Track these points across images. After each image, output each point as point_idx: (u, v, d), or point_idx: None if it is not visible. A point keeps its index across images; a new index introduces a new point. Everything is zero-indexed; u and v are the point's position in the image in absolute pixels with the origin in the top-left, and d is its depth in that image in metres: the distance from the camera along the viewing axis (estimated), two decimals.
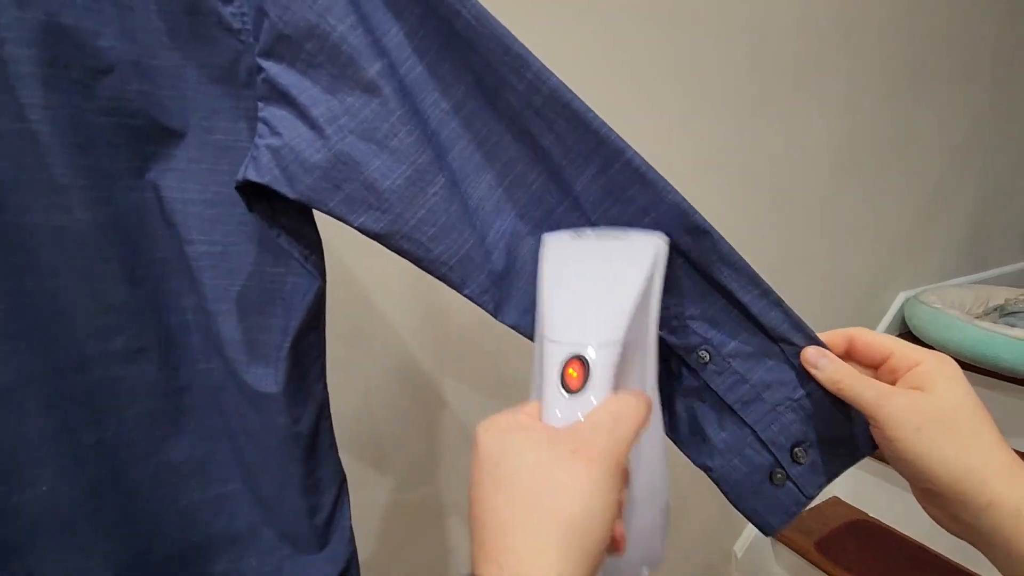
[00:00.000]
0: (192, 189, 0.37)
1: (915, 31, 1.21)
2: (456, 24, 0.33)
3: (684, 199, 0.35)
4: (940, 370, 0.32)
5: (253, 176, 0.35)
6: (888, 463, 0.33)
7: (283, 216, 0.38)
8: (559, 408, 0.29)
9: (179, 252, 0.37)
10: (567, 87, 0.34)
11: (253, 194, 0.37)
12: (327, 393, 0.42)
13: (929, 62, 1.27)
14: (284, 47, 0.33)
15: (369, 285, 0.71)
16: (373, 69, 0.33)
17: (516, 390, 0.82)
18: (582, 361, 0.30)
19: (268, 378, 0.38)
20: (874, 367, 0.35)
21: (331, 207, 0.35)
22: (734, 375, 0.38)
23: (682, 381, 0.39)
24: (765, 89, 1.00)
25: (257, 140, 0.35)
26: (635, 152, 0.35)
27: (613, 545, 0.30)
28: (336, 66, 0.33)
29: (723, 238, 0.36)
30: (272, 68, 0.34)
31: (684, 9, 0.85)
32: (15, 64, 0.31)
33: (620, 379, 0.31)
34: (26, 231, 0.33)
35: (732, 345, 0.38)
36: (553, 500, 0.25)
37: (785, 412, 0.37)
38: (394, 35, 0.34)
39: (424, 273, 0.37)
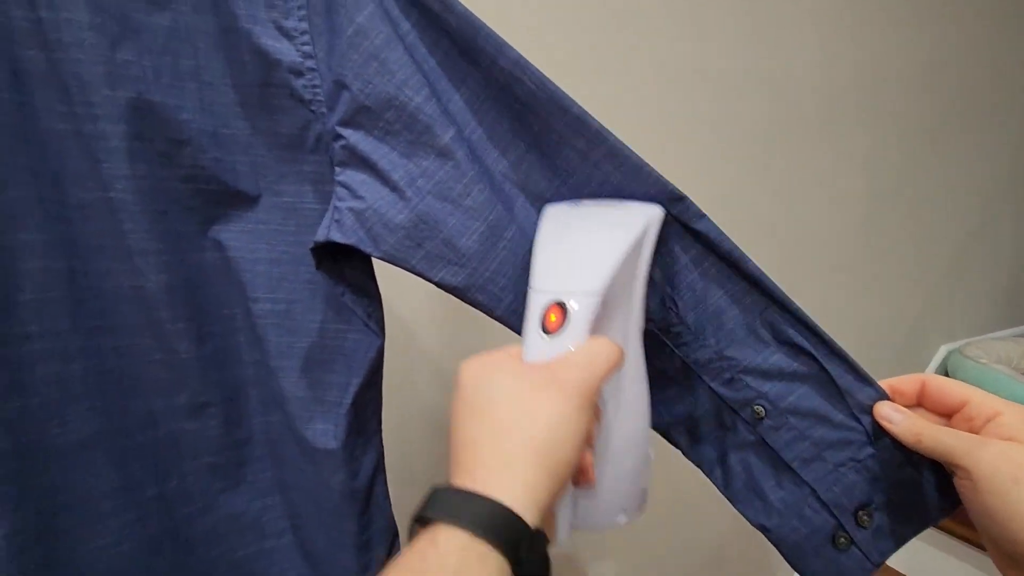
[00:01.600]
0: (260, 249, 0.39)
1: (944, 76, 1.22)
2: (517, 89, 0.35)
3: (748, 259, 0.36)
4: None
5: (338, 237, 0.36)
6: (948, 530, 0.31)
7: (348, 274, 0.39)
8: (537, 348, 0.32)
9: (244, 310, 0.39)
10: (623, 143, 0.36)
11: (322, 253, 0.38)
12: (383, 447, 0.42)
13: (961, 108, 1.27)
14: (364, 117, 0.35)
15: (406, 322, 0.72)
16: (447, 135, 0.35)
17: None
18: (562, 307, 0.32)
19: (328, 434, 0.39)
20: (947, 416, 0.34)
21: (413, 264, 0.36)
22: (792, 431, 0.37)
23: (736, 435, 0.39)
24: (792, 140, 1.01)
25: (337, 203, 0.36)
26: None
27: (582, 475, 0.32)
28: (413, 132, 0.35)
29: (779, 287, 0.36)
30: (352, 136, 0.36)
31: (708, 64, 0.87)
32: (105, 139, 0.33)
33: (600, 330, 0.33)
34: (106, 293, 0.34)
35: (790, 399, 0.37)
36: (523, 423, 0.27)
37: (849, 472, 0.36)
38: (457, 101, 0.36)
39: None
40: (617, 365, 0.31)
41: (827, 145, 1.07)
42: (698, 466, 0.41)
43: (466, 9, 0.35)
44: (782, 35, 0.95)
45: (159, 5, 0.34)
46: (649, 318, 0.38)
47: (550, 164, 0.37)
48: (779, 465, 0.38)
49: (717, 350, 0.38)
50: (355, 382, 0.39)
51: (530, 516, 0.25)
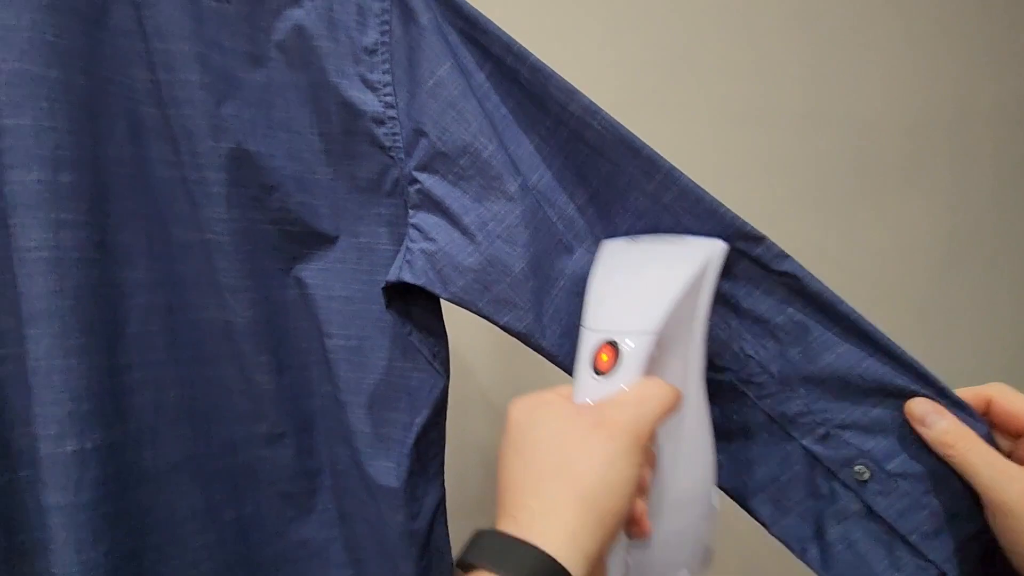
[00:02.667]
0: (335, 287, 0.41)
1: None
2: (586, 134, 0.36)
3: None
4: None
5: (408, 278, 0.38)
6: None
7: (416, 314, 0.40)
8: (588, 388, 0.31)
9: (319, 344, 0.41)
10: (696, 184, 0.35)
11: (393, 293, 0.40)
12: (444, 491, 0.43)
13: None
14: (440, 162, 0.37)
15: (463, 359, 0.73)
16: (517, 182, 0.36)
17: None
18: (614, 347, 0.31)
19: (390, 472, 0.40)
20: (1015, 436, 0.31)
21: (480, 307, 0.37)
22: (905, 498, 0.32)
23: (835, 503, 0.35)
24: (869, 181, 0.98)
25: (410, 244, 0.38)
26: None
27: (635, 526, 0.30)
28: (485, 178, 0.37)
29: (880, 331, 0.33)
30: (427, 180, 0.38)
31: (778, 104, 0.86)
32: (207, 185, 0.36)
33: (657, 372, 0.32)
34: (200, 326, 0.37)
35: (899, 460, 0.33)
36: (571, 466, 0.27)
37: (983, 548, 0.31)
38: (527, 147, 0.38)
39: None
40: (672, 408, 0.30)
41: (908, 187, 1.03)
42: (786, 543, 0.36)
43: (538, 59, 0.36)
44: (858, 72, 0.92)
45: (257, 63, 0.37)
46: (726, 367, 0.36)
47: (620, 208, 0.37)
48: (894, 540, 0.33)
49: (807, 402, 0.35)
50: (418, 421, 0.40)
51: (575, 566, 0.24)
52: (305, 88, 0.38)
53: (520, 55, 0.36)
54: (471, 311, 0.38)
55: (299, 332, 0.41)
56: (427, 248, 0.37)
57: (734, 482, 0.37)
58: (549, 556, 0.24)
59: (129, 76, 0.34)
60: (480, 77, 0.37)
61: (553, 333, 0.37)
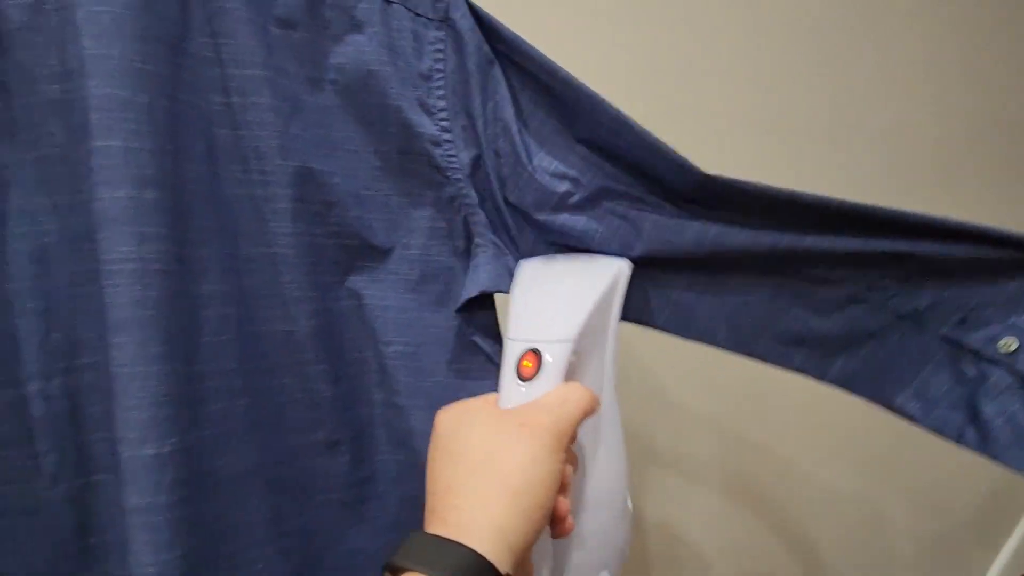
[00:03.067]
0: (389, 296, 0.42)
1: None
2: (624, 135, 0.38)
3: None
4: None
5: (489, 287, 0.40)
6: None
7: (479, 317, 0.42)
8: (513, 394, 0.33)
9: (375, 352, 0.42)
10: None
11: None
12: None
13: None
14: (496, 181, 0.41)
15: None
16: (575, 192, 0.39)
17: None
18: (536, 354, 0.33)
19: None
20: None
21: None
22: None
23: (985, 381, 0.35)
24: (907, 196, 0.97)
25: (481, 255, 0.41)
26: None
27: (558, 524, 0.31)
28: (541, 193, 0.39)
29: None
30: (486, 199, 0.41)
31: (812, 118, 0.86)
32: (274, 202, 0.38)
33: (574, 377, 0.34)
34: (265, 337, 0.39)
35: None
36: (497, 465, 0.28)
37: None
38: (575, 157, 0.40)
39: None
40: (590, 409, 0.32)
41: (946, 200, 1.02)
42: (940, 433, 0.37)
43: (567, 73, 0.38)
44: (884, 81, 0.92)
45: (319, 86, 0.39)
46: (844, 279, 0.37)
47: (673, 195, 0.39)
48: None
49: (936, 292, 0.35)
50: None
51: (502, 561, 0.25)
52: (364, 109, 0.40)
53: (552, 71, 0.38)
54: None
55: (354, 341, 0.42)
56: (500, 261, 0.40)
57: (872, 388, 0.38)
58: (477, 553, 0.25)
59: (206, 100, 0.36)
60: (525, 97, 0.40)
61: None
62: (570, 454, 0.32)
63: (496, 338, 0.43)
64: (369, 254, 0.42)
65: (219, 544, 0.36)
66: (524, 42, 0.38)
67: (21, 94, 0.33)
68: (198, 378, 0.35)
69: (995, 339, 0.34)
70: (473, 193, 0.40)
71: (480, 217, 0.41)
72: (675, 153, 0.37)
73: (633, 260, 0.39)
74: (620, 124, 0.37)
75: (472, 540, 0.25)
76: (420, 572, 0.25)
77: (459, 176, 0.40)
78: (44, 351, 0.35)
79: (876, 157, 0.94)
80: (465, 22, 0.39)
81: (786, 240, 0.37)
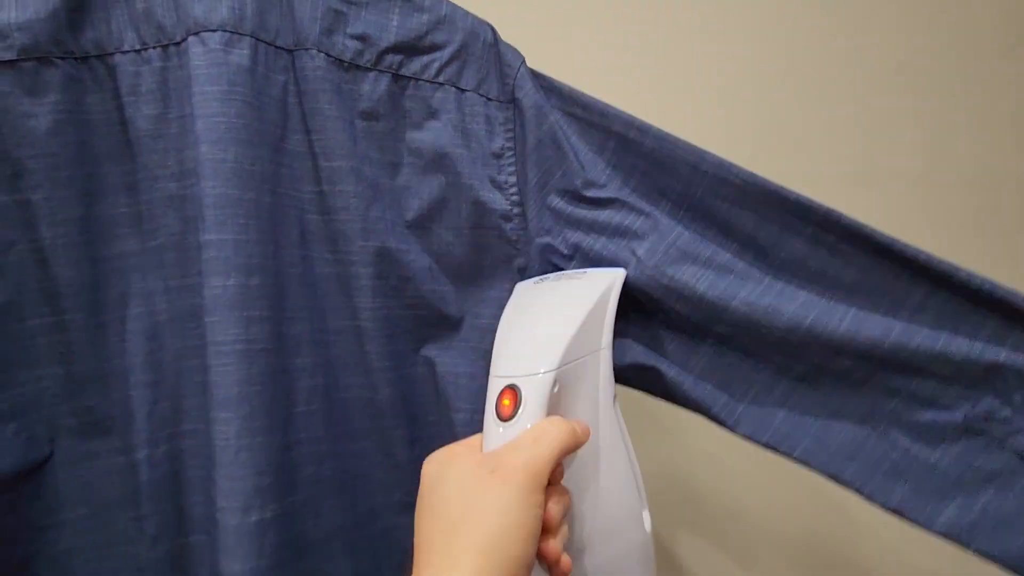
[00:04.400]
0: (459, 364, 0.45)
1: None
2: (722, 190, 0.38)
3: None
4: None
5: None
6: None
7: None
8: (493, 435, 0.31)
9: (447, 418, 0.44)
10: (860, 222, 0.35)
11: None
12: None
13: None
14: (566, 252, 0.43)
15: None
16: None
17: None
18: (514, 391, 0.31)
19: None
20: None
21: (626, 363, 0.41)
22: None
23: None
24: (991, 243, 0.92)
25: None
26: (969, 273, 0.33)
27: (554, 568, 0.30)
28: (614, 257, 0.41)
29: None
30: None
31: (894, 165, 0.83)
32: (357, 279, 0.41)
33: (563, 408, 0.32)
34: (349, 404, 0.42)
35: None
36: (470, 518, 0.27)
37: None
38: (658, 217, 0.41)
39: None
40: (571, 441, 0.30)
41: (983, 242, 0.99)
42: None
43: (660, 130, 0.40)
44: (972, 127, 0.86)
45: (397, 169, 0.43)
46: (954, 404, 0.33)
47: (771, 258, 0.38)
48: None
49: None
50: None
51: None
52: (438, 189, 0.43)
53: (643, 128, 0.40)
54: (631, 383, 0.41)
55: (428, 406, 0.45)
56: None
57: (996, 546, 0.33)
58: None
59: (299, 190, 0.40)
60: (601, 165, 0.42)
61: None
62: (557, 491, 0.31)
63: None
64: (442, 324, 0.45)
65: None
66: (604, 104, 0.40)
67: (144, 191, 0.37)
68: (292, 446, 0.38)
69: None
70: (543, 259, 0.43)
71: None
72: (795, 194, 0.35)
73: (710, 338, 0.38)
74: (726, 170, 0.37)
75: None
76: None
77: (528, 247, 0.43)
78: (152, 420, 0.38)
79: (967, 206, 0.87)
80: (527, 100, 0.41)
81: (896, 332, 0.33)
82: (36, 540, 0.36)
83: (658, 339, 0.41)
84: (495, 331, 0.45)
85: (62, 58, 0.35)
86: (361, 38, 0.40)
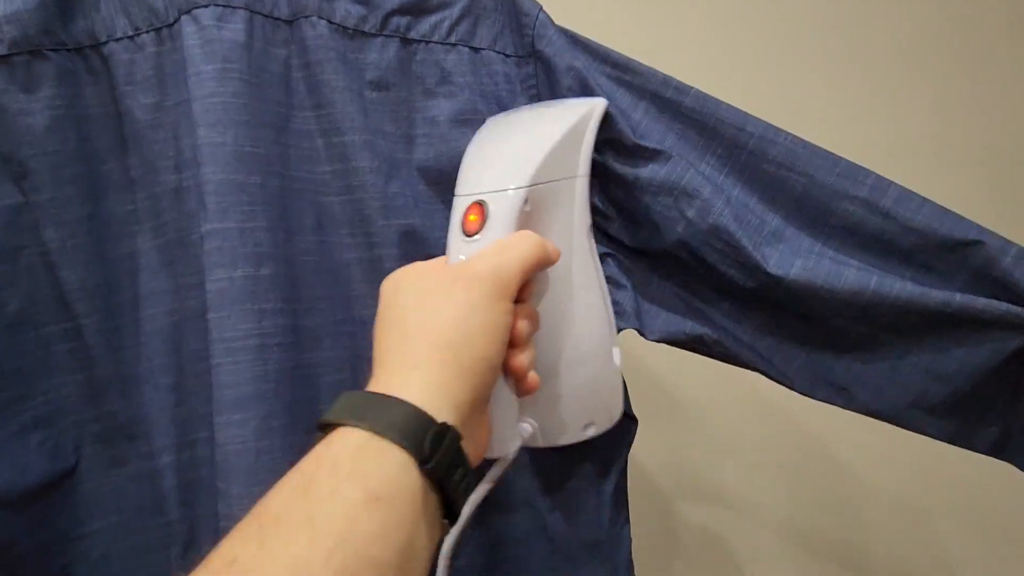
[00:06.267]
0: None
1: None
2: (770, 152, 0.35)
3: None
4: None
5: (622, 324, 0.38)
6: None
7: None
8: (457, 250, 0.30)
9: None
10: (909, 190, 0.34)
11: None
12: (631, 543, 0.42)
13: None
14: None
15: None
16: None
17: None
18: (481, 206, 0.30)
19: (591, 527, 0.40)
20: None
21: (687, 332, 0.39)
22: None
23: None
24: (1006, 222, 0.84)
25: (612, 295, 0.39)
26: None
27: (520, 383, 0.29)
28: (651, 223, 0.38)
29: None
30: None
31: (910, 142, 0.78)
32: (381, 262, 0.38)
33: (537, 230, 0.30)
34: None
35: None
36: (431, 321, 0.26)
37: None
38: (706, 171, 0.37)
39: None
40: (541, 257, 0.29)
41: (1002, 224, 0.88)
42: None
43: (699, 90, 0.36)
44: (988, 104, 0.81)
45: (414, 141, 0.39)
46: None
47: (827, 221, 0.35)
48: None
49: None
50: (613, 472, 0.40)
51: (444, 414, 0.23)
52: (458, 161, 0.39)
53: (681, 88, 0.36)
54: (677, 345, 0.39)
55: None
56: (625, 295, 0.38)
57: None
58: (412, 405, 0.23)
59: (310, 171, 0.37)
60: (637, 116, 0.37)
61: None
62: (525, 309, 0.29)
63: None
64: None
65: None
66: (637, 62, 0.37)
67: (145, 185, 0.35)
68: None
69: None
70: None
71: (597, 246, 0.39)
72: (844, 159, 0.34)
73: (766, 303, 0.36)
74: (774, 132, 0.35)
75: (407, 395, 0.23)
76: (348, 425, 0.22)
77: None
78: (176, 424, 0.36)
79: (981, 184, 0.82)
80: (550, 48, 0.38)
81: (959, 298, 0.33)
82: (70, 551, 0.35)
83: (710, 303, 0.38)
84: None
85: (54, 50, 0.33)
86: (364, 1, 0.37)
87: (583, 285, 0.34)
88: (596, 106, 0.35)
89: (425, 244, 0.39)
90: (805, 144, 0.35)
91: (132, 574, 0.36)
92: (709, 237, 0.35)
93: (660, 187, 0.36)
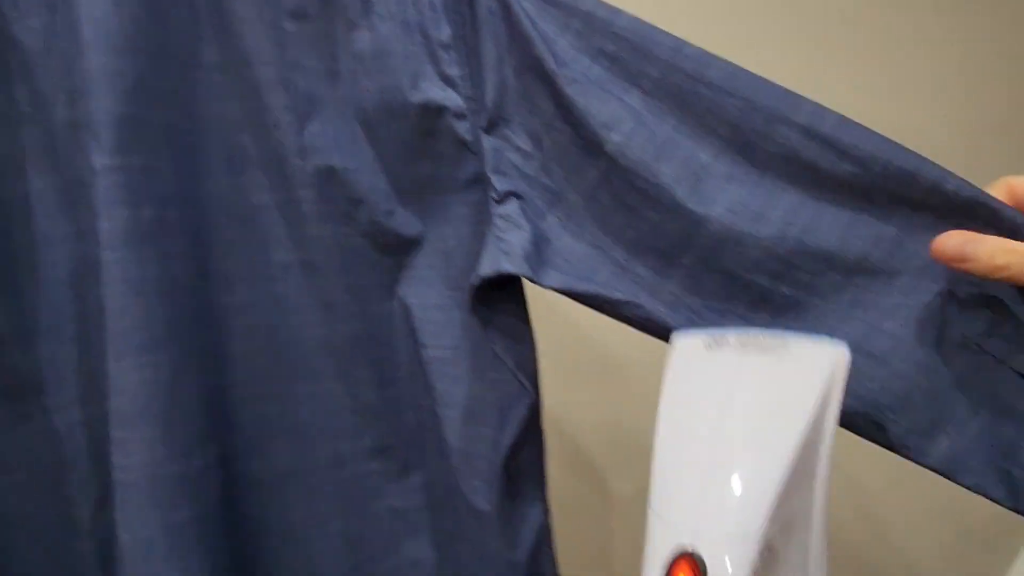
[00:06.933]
0: (427, 295, 0.40)
1: None
2: (708, 73, 0.32)
3: None
4: None
5: (508, 267, 0.36)
6: None
7: (499, 320, 0.39)
8: None
9: (417, 356, 0.41)
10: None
11: (477, 297, 0.38)
12: (548, 520, 0.41)
13: None
14: (523, 149, 0.37)
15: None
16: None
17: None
18: (694, 561, 0.21)
19: (482, 493, 0.38)
20: None
21: (585, 290, 0.36)
22: None
23: None
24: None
25: (500, 235, 0.36)
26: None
27: None
28: (574, 157, 0.35)
29: None
30: (511, 169, 0.37)
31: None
32: (298, 204, 0.37)
33: (767, 566, 0.22)
34: (301, 344, 0.38)
35: None
36: None
37: None
38: (626, 106, 0.34)
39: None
40: None
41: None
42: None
43: (632, 14, 0.34)
44: (904, 79, 0.83)
45: (337, 78, 0.37)
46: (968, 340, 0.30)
47: (764, 149, 0.32)
48: None
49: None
50: (506, 441, 0.38)
51: None
52: (383, 95, 0.38)
53: (614, 9, 0.34)
54: (575, 298, 0.36)
55: (398, 345, 0.41)
56: (520, 237, 0.36)
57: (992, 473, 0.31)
58: None
59: (222, 109, 0.35)
60: (563, 42, 0.35)
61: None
62: None
63: (521, 345, 0.39)
64: (405, 250, 0.40)
65: (259, 546, 0.36)
66: None
67: (40, 120, 0.33)
68: (230, 387, 0.35)
69: None
70: (501, 163, 0.37)
71: (504, 189, 0.36)
72: (780, 88, 0.32)
73: (685, 257, 0.33)
74: (710, 56, 0.32)
75: None
76: None
77: (486, 148, 0.37)
78: (81, 377, 0.35)
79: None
80: None
81: (889, 238, 0.31)
82: None
83: (631, 256, 0.35)
84: (459, 255, 0.40)
85: None
86: None
87: None
88: (838, 362, 0.25)
89: (345, 185, 0.38)
90: (745, 71, 0.32)
91: (43, 531, 0.35)
92: (628, 175, 0.33)
93: (579, 121, 0.34)
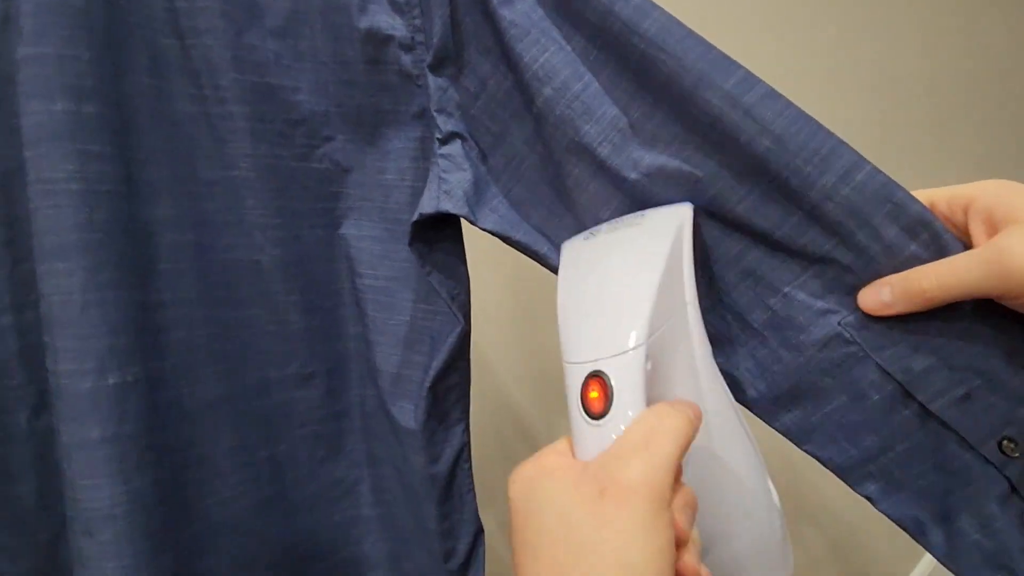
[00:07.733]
0: (365, 226, 0.40)
1: None
2: (643, 25, 0.31)
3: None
4: (1008, 190, 0.26)
5: (448, 207, 0.36)
6: None
7: (437, 255, 0.39)
8: (586, 439, 0.25)
9: (351, 285, 0.41)
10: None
11: (416, 231, 0.38)
12: (467, 439, 0.42)
13: None
14: (468, 90, 0.36)
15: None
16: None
17: None
18: (601, 379, 0.25)
19: (409, 413, 0.39)
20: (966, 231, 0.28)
21: (517, 238, 0.36)
22: None
23: (971, 482, 0.29)
24: (900, 143, 0.94)
25: (443, 175, 0.36)
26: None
27: None
28: (516, 100, 0.35)
29: None
30: (455, 109, 0.37)
31: (812, 65, 0.82)
32: (231, 120, 0.35)
33: (659, 388, 0.26)
34: (229, 267, 0.37)
35: None
36: (584, 559, 0.21)
37: None
38: (567, 53, 0.33)
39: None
40: (689, 432, 0.24)
41: (938, 148, 0.99)
42: (897, 522, 0.31)
43: None
44: (883, 32, 0.88)
45: None
46: (830, 309, 0.30)
47: (690, 110, 0.31)
48: None
49: (943, 356, 0.28)
50: (435, 365, 0.39)
51: None
52: (329, 16, 0.36)
53: None
54: (508, 243, 0.37)
55: (330, 273, 0.40)
56: (462, 178, 0.36)
57: (830, 451, 0.31)
58: None
59: (147, 5, 0.33)
60: None
61: None
62: (680, 494, 0.24)
63: (456, 280, 0.40)
64: (343, 179, 0.40)
65: (187, 469, 0.35)
66: None
67: None
68: (156, 307, 0.34)
69: (996, 433, 0.28)
70: (444, 102, 0.36)
71: (448, 129, 0.36)
72: (717, 50, 0.30)
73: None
74: (643, 13, 0.30)
75: None
76: None
77: (430, 84, 0.36)
78: (13, 282, 0.33)
79: (872, 110, 0.90)
80: None
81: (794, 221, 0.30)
82: None
83: (556, 212, 0.35)
84: (402, 189, 0.40)
85: None
86: None
87: (723, 427, 0.29)
88: (684, 216, 0.29)
89: (284, 105, 0.36)
90: (681, 25, 0.31)
91: None
92: (556, 131, 0.33)
93: (516, 68, 0.33)
